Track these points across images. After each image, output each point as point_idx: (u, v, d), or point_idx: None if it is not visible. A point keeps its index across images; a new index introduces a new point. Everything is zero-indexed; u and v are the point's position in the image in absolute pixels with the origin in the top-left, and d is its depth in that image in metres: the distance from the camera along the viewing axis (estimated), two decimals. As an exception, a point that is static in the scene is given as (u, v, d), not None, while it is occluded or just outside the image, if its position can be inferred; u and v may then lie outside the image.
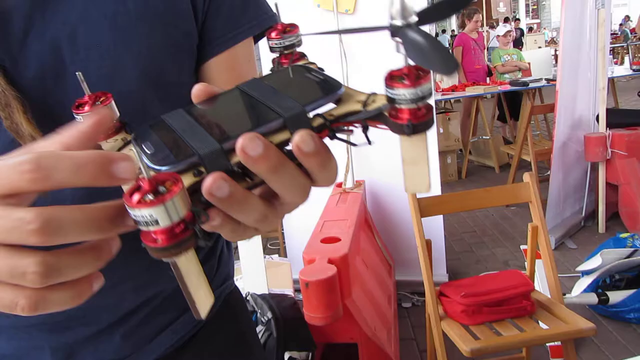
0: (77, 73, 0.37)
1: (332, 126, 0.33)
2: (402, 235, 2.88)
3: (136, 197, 0.27)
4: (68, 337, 0.63)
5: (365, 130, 0.34)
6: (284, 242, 3.21)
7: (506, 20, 14.08)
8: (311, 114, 0.33)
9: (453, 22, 25.68)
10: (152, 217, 0.27)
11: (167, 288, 0.67)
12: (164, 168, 0.30)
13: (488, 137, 5.30)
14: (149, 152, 0.32)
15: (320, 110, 0.33)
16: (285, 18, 0.42)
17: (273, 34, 0.41)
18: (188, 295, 0.31)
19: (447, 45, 17.64)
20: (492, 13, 17.20)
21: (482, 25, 6.09)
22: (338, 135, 0.33)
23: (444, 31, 19.45)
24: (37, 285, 0.29)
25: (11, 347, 0.63)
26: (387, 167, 2.80)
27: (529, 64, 5.99)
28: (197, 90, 0.37)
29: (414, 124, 0.31)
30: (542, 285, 2.15)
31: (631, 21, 15.59)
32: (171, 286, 0.67)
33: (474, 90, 5.23)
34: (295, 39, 0.41)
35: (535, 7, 33.08)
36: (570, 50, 3.25)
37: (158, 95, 0.59)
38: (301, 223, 2.53)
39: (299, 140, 0.30)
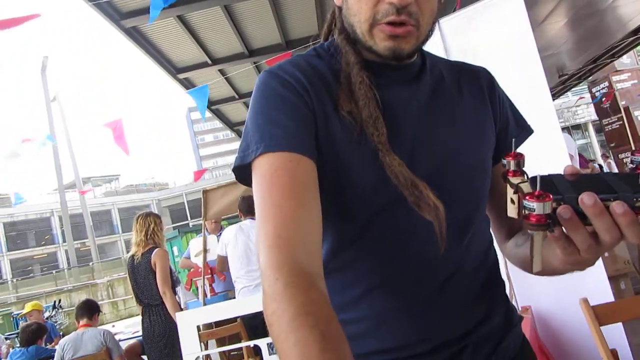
0: (512, 139, 0.73)
1: None
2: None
3: (531, 197, 0.56)
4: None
5: None
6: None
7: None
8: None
9: None
10: (533, 207, 0.55)
11: (483, 332, 0.85)
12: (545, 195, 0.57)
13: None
14: (539, 187, 0.59)
15: None
16: None
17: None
18: (531, 256, 0.62)
19: None
20: None
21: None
22: None
23: None
24: None
25: None
26: (551, 291, 2.71)
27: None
28: (568, 168, 0.64)
29: None
30: None
31: None
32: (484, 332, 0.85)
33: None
34: None
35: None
36: None
37: (484, 176, 0.90)
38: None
39: (614, 205, 0.55)
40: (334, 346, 0.58)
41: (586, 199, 0.55)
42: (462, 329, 0.83)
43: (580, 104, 21.58)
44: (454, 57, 3.04)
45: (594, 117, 18.96)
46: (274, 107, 0.78)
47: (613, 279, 4.42)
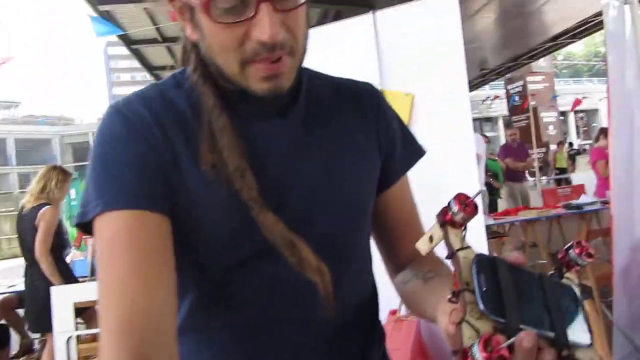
0: (480, 190, 0.59)
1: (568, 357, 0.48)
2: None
3: (484, 348, 0.44)
4: None
5: None
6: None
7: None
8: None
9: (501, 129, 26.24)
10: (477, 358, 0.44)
11: None
12: (489, 315, 0.47)
13: (544, 262, 5.17)
14: (483, 288, 0.48)
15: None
16: None
17: None
18: None
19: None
20: (542, 137, 17.49)
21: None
22: None
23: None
24: None
25: None
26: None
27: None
28: (514, 257, 0.53)
29: None
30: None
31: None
32: None
33: (528, 214, 5.22)
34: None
35: (585, 128, 33.32)
36: (621, 171, 3.27)
37: (364, 217, 0.82)
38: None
39: (544, 351, 0.47)
40: None
41: (525, 342, 0.46)
42: None
43: (496, 98, 22.66)
44: (384, 50, 3.02)
45: (507, 112, 19.98)
46: (113, 157, 0.67)
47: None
